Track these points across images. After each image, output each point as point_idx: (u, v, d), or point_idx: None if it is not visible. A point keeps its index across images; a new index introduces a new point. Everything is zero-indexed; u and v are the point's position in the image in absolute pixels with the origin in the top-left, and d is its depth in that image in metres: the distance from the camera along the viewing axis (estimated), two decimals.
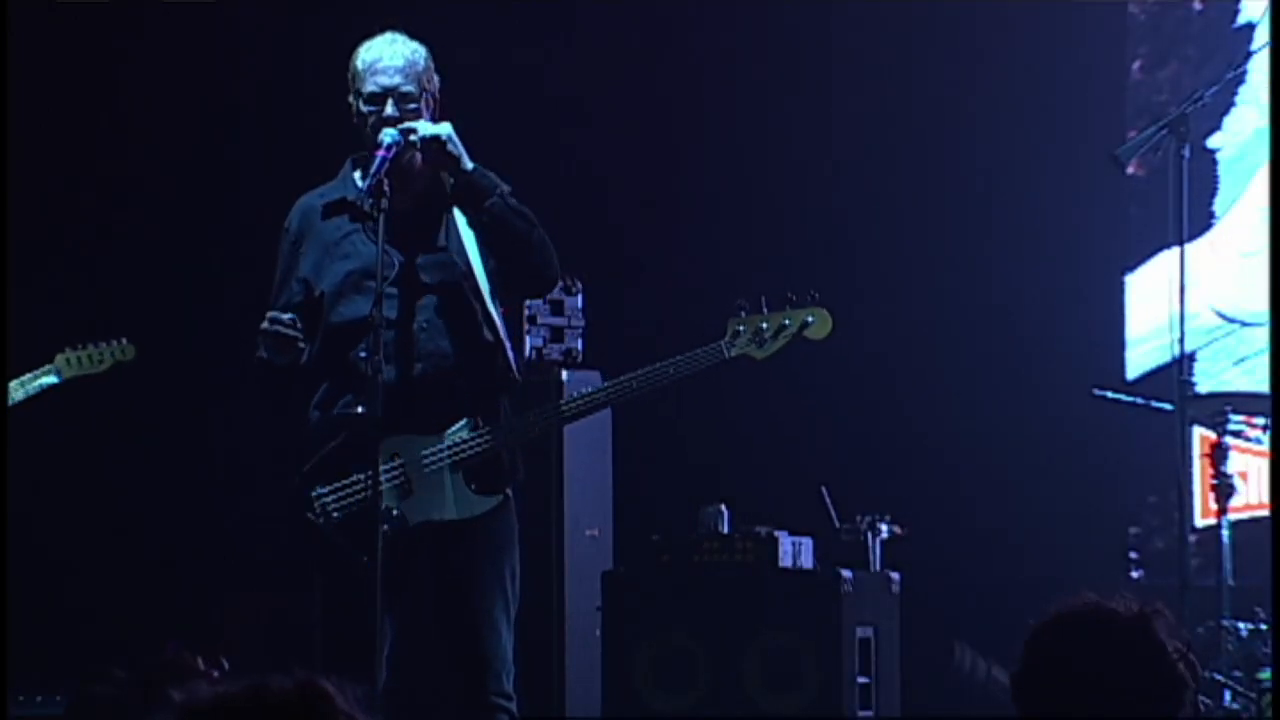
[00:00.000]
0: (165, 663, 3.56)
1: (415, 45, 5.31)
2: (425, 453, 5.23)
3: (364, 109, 5.26)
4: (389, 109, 5.22)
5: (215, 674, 3.59)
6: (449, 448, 5.22)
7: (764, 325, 5.36)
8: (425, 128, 5.21)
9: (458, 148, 5.22)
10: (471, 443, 5.23)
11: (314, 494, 5.23)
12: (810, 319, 5.38)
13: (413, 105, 5.24)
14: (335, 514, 5.19)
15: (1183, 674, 3.01)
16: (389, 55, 5.26)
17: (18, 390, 6.62)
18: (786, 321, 5.38)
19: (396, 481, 5.20)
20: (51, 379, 6.66)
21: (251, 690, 2.26)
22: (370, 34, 5.37)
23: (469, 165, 5.23)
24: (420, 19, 5.50)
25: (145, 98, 8.53)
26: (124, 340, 6.73)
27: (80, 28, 8.28)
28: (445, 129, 5.21)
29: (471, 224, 5.28)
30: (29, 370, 6.69)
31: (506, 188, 5.30)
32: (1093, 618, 3.03)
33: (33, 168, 7.86)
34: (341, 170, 5.40)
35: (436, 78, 5.33)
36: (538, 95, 8.52)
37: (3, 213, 7.17)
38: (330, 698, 2.28)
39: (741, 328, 5.36)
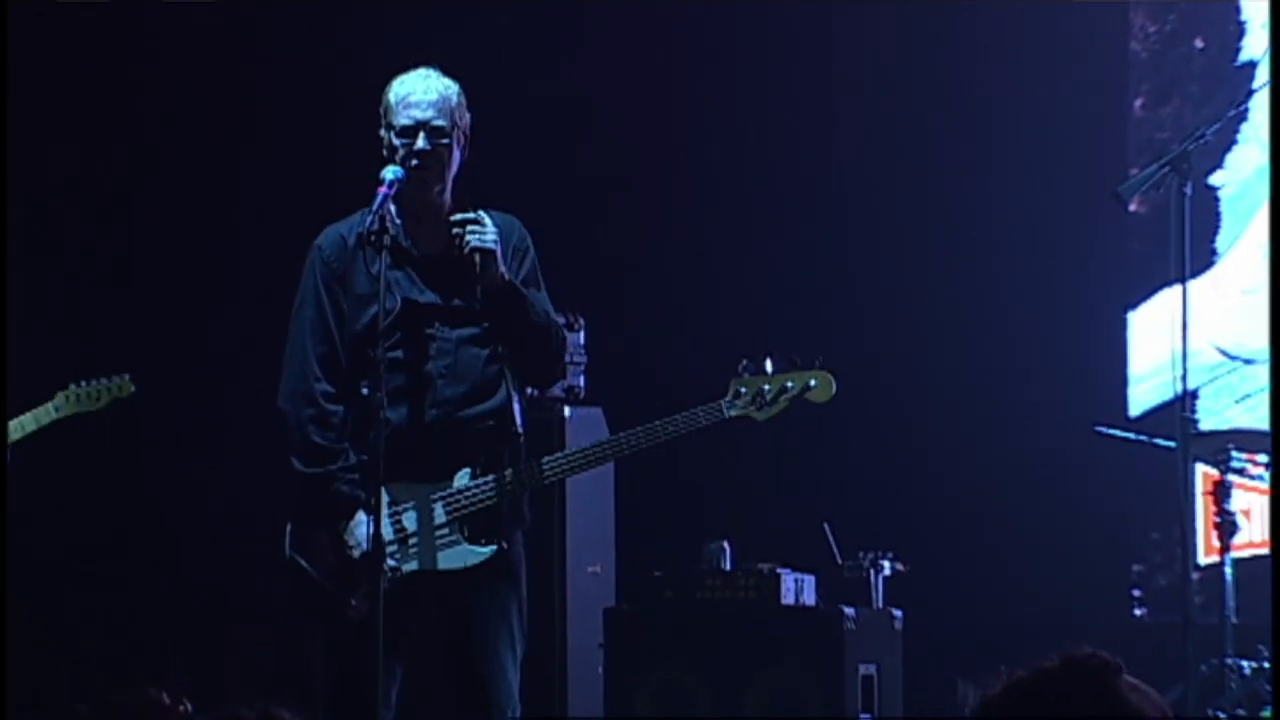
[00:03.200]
0: (129, 699, 3.54)
1: (448, 81, 5.31)
2: (427, 500, 5.21)
3: (396, 141, 5.25)
4: (420, 142, 5.22)
5: (181, 709, 3.57)
6: (449, 497, 5.22)
7: (766, 388, 5.37)
8: (476, 238, 5.21)
9: (500, 264, 5.22)
10: (471, 494, 5.22)
11: (311, 537, 5.23)
12: (813, 382, 5.39)
13: (444, 140, 5.24)
14: (332, 559, 5.19)
15: None
16: (422, 90, 5.26)
17: (16, 431, 6.62)
18: (789, 384, 5.38)
19: (395, 529, 5.18)
20: (51, 415, 6.67)
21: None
22: (404, 68, 5.36)
23: (507, 277, 5.23)
24: (413, 53, 5.50)
25: (145, 100, 8.53)
26: (126, 376, 6.72)
27: (80, 28, 8.29)
28: (490, 240, 5.21)
29: (498, 324, 5.27)
30: (29, 407, 6.70)
31: (533, 299, 5.30)
32: (1056, 674, 2.88)
33: (31, 174, 7.86)
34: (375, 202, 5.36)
35: (468, 114, 5.33)
36: (544, 128, 8.54)
37: (3, 216, 7.17)
38: None
39: (744, 389, 5.36)
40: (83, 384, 6.69)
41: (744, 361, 5.40)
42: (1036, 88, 7.83)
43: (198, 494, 8.39)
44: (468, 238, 5.20)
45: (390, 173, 5.20)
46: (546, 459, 5.29)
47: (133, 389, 6.71)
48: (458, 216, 5.22)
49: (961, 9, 8.34)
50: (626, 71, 8.66)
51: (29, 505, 6.92)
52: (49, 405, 6.67)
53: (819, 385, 5.38)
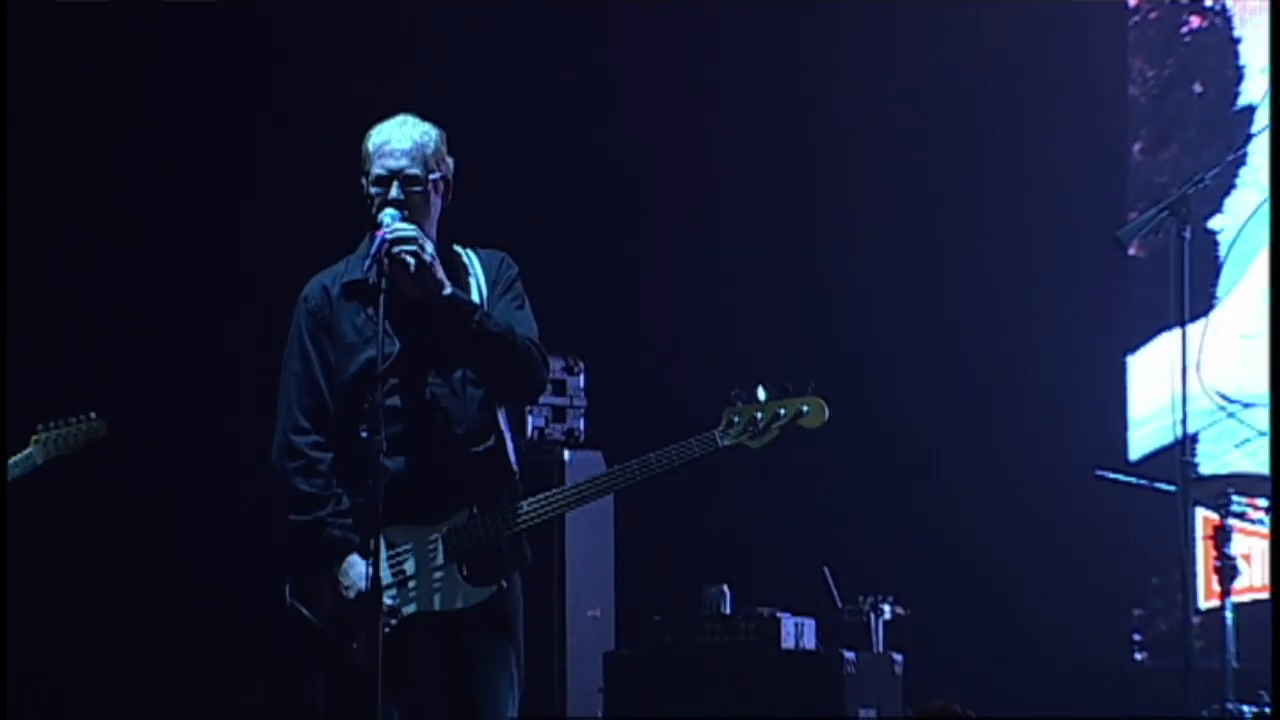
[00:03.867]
0: None
1: (425, 128, 5.28)
2: (425, 542, 5.20)
3: (372, 190, 5.24)
4: (394, 191, 5.20)
5: None
6: (447, 539, 5.21)
7: (759, 415, 5.35)
8: (402, 246, 5.14)
9: (439, 272, 5.18)
10: (470, 534, 5.21)
11: (309, 585, 5.22)
12: (805, 408, 5.37)
13: (418, 188, 5.21)
14: (330, 605, 5.20)
15: None
16: (397, 138, 5.24)
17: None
18: (781, 411, 5.35)
19: (394, 573, 5.18)
20: (36, 464, 6.63)
21: None
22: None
23: (448, 290, 5.19)
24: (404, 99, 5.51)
25: (144, 101, 8.53)
26: (92, 415, 6.63)
27: (80, 28, 8.29)
28: (428, 250, 5.17)
29: (454, 344, 5.23)
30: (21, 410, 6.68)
31: (483, 309, 5.25)
32: None
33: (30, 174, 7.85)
34: (360, 247, 5.36)
35: (449, 160, 5.30)
36: (549, 170, 8.57)
37: (3, 216, 7.17)
38: None
39: (736, 418, 5.33)
40: (53, 426, 6.64)
41: (736, 390, 5.39)
42: (1036, 132, 7.87)
43: (199, 530, 8.39)
44: (393, 247, 5.12)
45: (387, 217, 5.21)
46: (543, 495, 5.26)
47: (106, 430, 6.63)
48: (385, 234, 5.14)
49: (963, 53, 8.38)
50: (632, 112, 8.70)
51: (21, 548, 6.90)
52: (30, 453, 6.62)
53: (812, 411, 5.36)
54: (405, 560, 5.19)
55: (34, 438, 6.60)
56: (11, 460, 6.56)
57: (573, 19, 8.74)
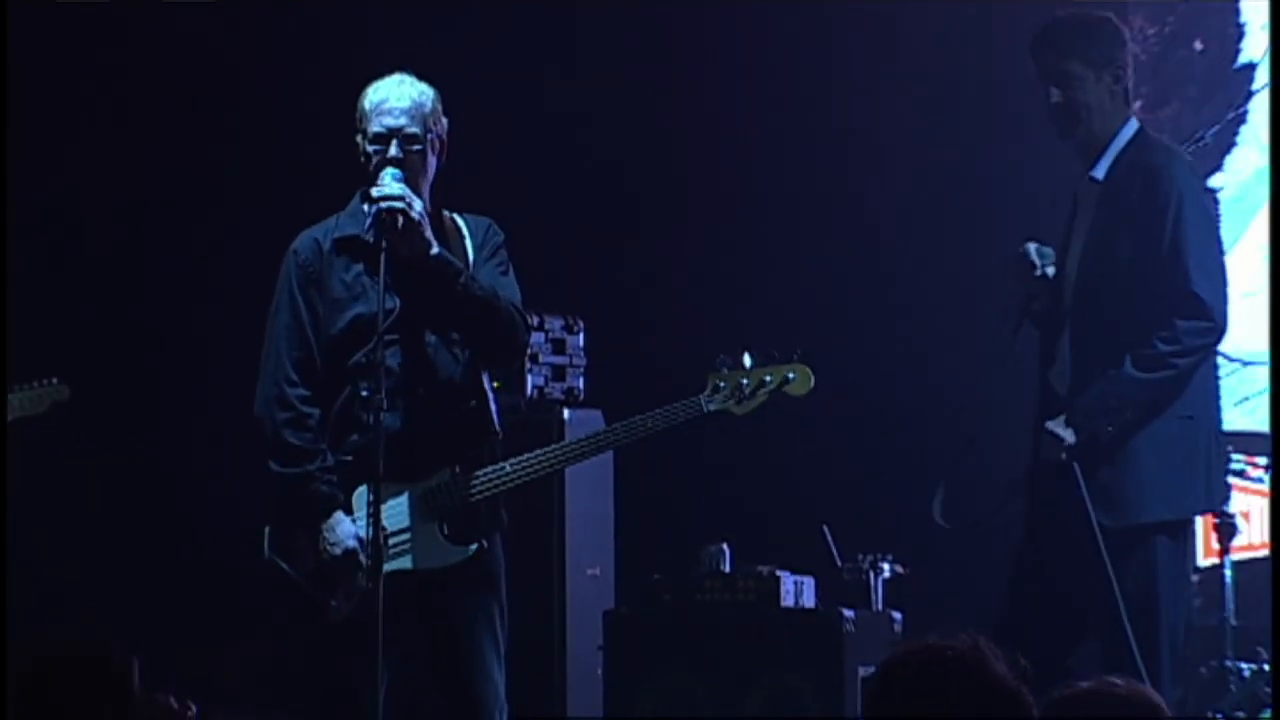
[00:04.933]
0: (141, 704, 3.57)
1: (423, 87, 5.30)
2: (407, 500, 5.22)
3: (369, 149, 5.25)
4: (393, 149, 5.21)
5: (189, 714, 3.61)
6: (429, 496, 5.23)
7: (744, 381, 5.36)
8: (389, 203, 5.16)
9: (427, 231, 5.19)
10: (451, 492, 5.22)
11: (289, 539, 5.24)
12: (791, 375, 5.39)
13: (417, 147, 5.23)
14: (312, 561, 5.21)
15: (1024, 700, 3.02)
16: (395, 96, 5.25)
17: None
18: (767, 378, 5.38)
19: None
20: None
21: None
22: (379, 74, 5.36)
23: (435, 250, 5.19)
24: (403, 52, 5.50)
25: (144, 101, 8.53)
26: (54, 380, 6.71)
27: (80, 28, 8.29)
28: (417, 209, 5.16)
29: (436, 304, 5.24)
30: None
31: (470, 272, 5.27)
32: (920, 660, 3.02)
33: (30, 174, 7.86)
34: (350, 205, 5.37)
35: (444, 120, 5.31)
36: (545, 135, 8.56)
37: (3, 216, 7.18)
38: None
39: (722, 383, 5.35)
40: (17, 389, 6.70)
41: (721, 356, 5.39)
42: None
43: (191, 496, 8.41)
44: (381, 204, 5.13)
45: (389, 177, 5.20)
46: (526, 455, 5.28)
47: (68, 393, 6.68)
48: (375, 192, 5.16)
49: (962, 11, 8.35)
50: (628, 77, 8.69)
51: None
52: None
53: (797, 378, 5.39)
54: (387, 517, 5.17)
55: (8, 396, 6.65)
56: None
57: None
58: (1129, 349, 5.49)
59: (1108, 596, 5.35)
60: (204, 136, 8.59)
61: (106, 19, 8.27)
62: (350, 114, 5.38)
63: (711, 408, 5.36)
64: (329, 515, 5.18)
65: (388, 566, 5.15)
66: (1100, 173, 5.65)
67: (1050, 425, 5.60)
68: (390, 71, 5.36)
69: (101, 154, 8.49)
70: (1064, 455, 5.54)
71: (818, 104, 8.57)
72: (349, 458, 5.19)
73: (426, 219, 5.19)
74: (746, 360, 5.37)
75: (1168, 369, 5.45)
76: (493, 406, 5.35)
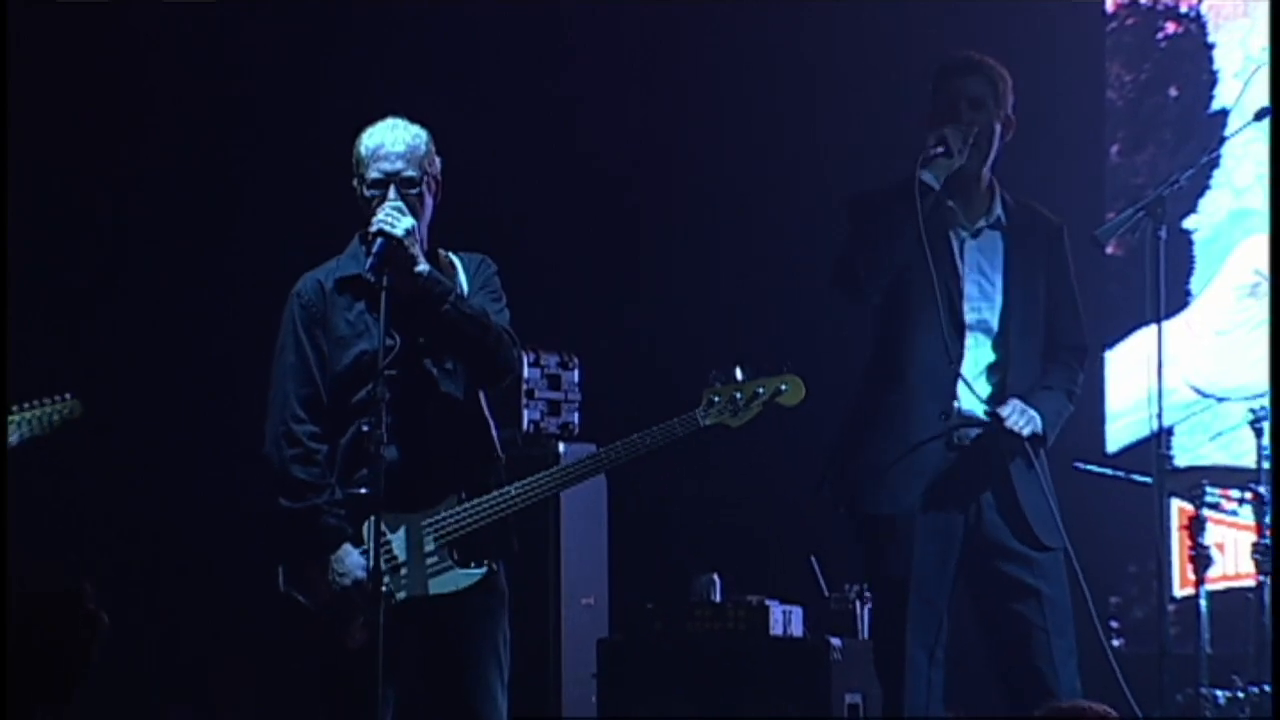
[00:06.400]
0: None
1: (416, 130, 5.37)
2: (413, 529, 5.29)
3: (367, 194, 5.32)
4: (391, 194, 5.28)
5: (99, 618, 3.62)
6: (437, 524, 5.29)
7: (738, 394, 5.44)
8: (394, 223, 5.24)
9: (416, 250, 5.26)
10: (459, 519, 5.30)
11: (303, 572, 5.31)
12: (783, 386, 5.47)
13: (414, 190, 5.30)
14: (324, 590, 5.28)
15: None
16: (391, 141, 5.33)
17: None
18: (760, 390, 5.45)
19: (386, 559, 5.24)
20: (10, 443, 6.54)
21: None
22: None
23: (424, 268, 5.26)
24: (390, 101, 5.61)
25: (144, 101, 8.55)
26: (68, 396, 6.46)
27: (80, 28, 8.30)
28: (406, 225, 5.23)
29: (427, 325, 5.31)
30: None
31: (459, 291, 5.34)
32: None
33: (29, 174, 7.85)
34: (350, 246, 5.45)
35: (438, 160, 5.39)
36: (536, 167, 8.64)
37: (3, 217, 7.22)
38: None
39: (716, 397, 5.42)
40: (28, 407, 6.44)
41: (714, 371, 5.48)
42: (1017, 135, 7.94)
43: (190, 528, 8.46)
44: (375, 223, 5.22)
45: (391, 205, 5.32)
46: (530, 478, 5.33)
47: (81, 411, 6.49)
48: (374, 221, 5.25)
49: (965, 24, 8.40)
50: (619, 104, 8.76)
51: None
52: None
53: (789, 389, 5.47)
54: (396, 546, 5.26)
55: (9, 419, 6.41)
56: None
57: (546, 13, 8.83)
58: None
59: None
60: (204, 137, 8.58)
61: (106, 19, 8.25)
62: (350, 111, 5.44)
63: (707, 421, 5.43)
64: (338, 547, 5.25)
65: (399, 595, 5.24)
66: None
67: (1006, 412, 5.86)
68: (390, 73, 5.39)
69: (101, 154, 8.48)
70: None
71: (806, 120, 8.63)
72: (359, 491, 5.24)
73: (414, 237, 5.25)
74: (739, 374, 5.45)
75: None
76: (494, 433, 5.43)
